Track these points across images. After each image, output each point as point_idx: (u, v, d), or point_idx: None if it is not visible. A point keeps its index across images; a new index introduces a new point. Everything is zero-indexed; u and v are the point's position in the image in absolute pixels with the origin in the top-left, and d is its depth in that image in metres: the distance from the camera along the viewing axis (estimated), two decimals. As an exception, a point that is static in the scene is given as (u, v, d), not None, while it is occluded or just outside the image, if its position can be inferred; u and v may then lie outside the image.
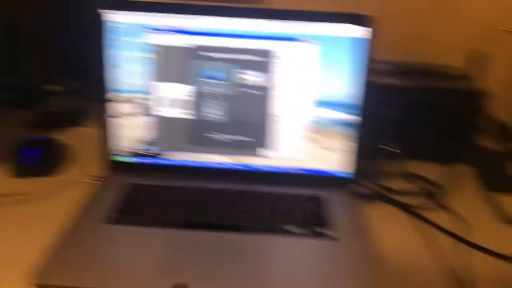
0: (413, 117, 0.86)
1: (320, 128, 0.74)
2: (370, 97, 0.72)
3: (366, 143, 0.83)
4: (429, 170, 0.84)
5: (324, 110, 0.74)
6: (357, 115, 0.73)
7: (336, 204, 0.72)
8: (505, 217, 0.72)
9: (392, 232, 0.69)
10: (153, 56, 0.72)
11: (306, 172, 0.77)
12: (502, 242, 0.67)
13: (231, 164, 0.77)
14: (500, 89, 0.98)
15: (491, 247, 0.65)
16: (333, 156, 0.76)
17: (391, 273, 0.60)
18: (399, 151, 0.85)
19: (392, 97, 0.86)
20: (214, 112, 0.74)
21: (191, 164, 0.77)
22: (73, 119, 0.99)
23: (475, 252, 0.65)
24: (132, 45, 0.72)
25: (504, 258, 0.64)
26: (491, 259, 0.64)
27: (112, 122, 0.75)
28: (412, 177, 0.83)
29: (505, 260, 0.64)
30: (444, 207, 0.75)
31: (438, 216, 0.72)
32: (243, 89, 0.73)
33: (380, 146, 0.86)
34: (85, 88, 0.94)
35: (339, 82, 0.72)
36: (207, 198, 0.72)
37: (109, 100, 0.74)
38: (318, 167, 0.77)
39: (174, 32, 0.71)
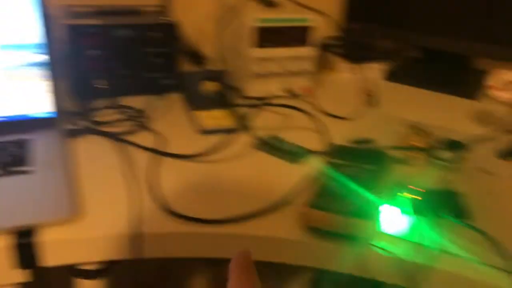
0: (119, 54, 0.92)
1: (13, 72, 0.75)
2: (54, 35, 0.75)
3: (76, 83, 0.86)
4: (140, 102, 0.92)
5: (13, 53, 0.74)
6: (46, 54, 0.75)
7: (40, 144, 0.75)
8: (199, 128, 0.84)
9: (95, 158, 0.74)
10: None
11: (8, 119, 0.77)
12: (193, 147, 0.77)
13: None
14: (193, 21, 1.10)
15: (183, 152, 0.75)
16: (33, 98, 0.77)
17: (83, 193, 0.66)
18: (108, 87, 0.90)
19: (97, 37, 0.90)
20: None
21: None
22: None
23: (168, 160, 0.75)
24: None
25: (186, 157, 0.75)
26: (178, 161, 0.75)
27: None
28: (120, 108, 0.89)
29: (187, 159, 0.75)
30: (148, 129, 0.84)
31: (141, 138, 0.80)
32: None
33: (91, 84, 0.90)
34: None
35: (22, 24, 0.73)
36: None
37: None
38: (19, 112, 0.78)
39: None
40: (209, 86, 0.88)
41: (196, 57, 1.02)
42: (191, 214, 0.62)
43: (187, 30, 1.09)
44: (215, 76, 0.90)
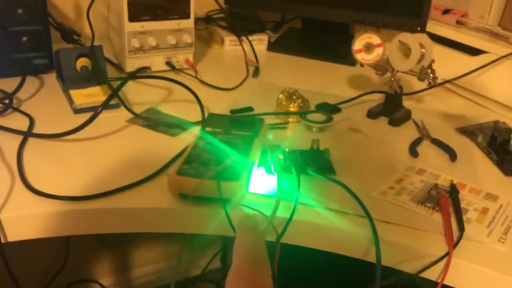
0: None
1: None
2: None
3: None
4: (11, 83, 0.87)
5: None
6: None
7: None
8: (74, 107, 0.81)
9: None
10: None
11: None
12: (67, 127, 0.74)
13: None
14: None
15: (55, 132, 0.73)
16: None
17: None
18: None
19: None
20: None
21: None
22: None
23: (40, 141, 0.72)
24: None
25: (57, 136, 0.72)
26: (51, 141, 0.72)
27: None
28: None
29: (58, 138, 0.72)
30: (18, 111, 0.79)
31: (10, 120, 0.76)
32: None
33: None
34: None
35: None
36: None
37: None
38: None
39: None
40: (83, 63, 0.85)
41: (69, 33, 0.97)
42: (63, 193, 0.61)
43: (58, 4, 1.04)
44: (89, 52, 0.87)
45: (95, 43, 0.96)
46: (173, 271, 1.63)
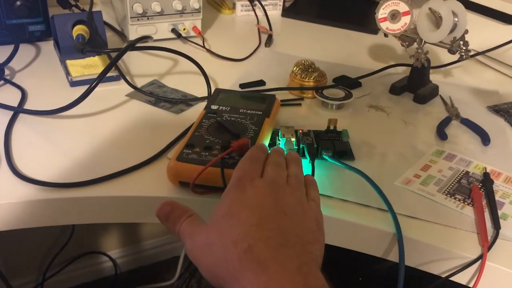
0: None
1: None
2: None
3: None
4: (4, 52, 0.80)
5: None
6: None
7: None
8: (70, 79, 0.75)
9: None
10: None
11: None
12: (62, 102, 0.67)
13: None
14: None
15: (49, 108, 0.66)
16: None
17: None
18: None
19: None
20: None
21: None
22: None
23: (33, 118, 0.66)
24: None
25: (50, 113, 0.66)
26: (43, 118, 0.66)
27: None
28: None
29: (51, 115, 0.66)
30: (10, 83, 0.73)
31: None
32: None
33: None
34: None
35: None
36: None
37: None
38: None
39: None
40: (80, 31, 0.78)
41: (65, -3, 0.90)
42: (53, 178, 0.55)
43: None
44: (88, 19, 0.80)
45: (98, 9, 0.88)
46: (182, 243, 1.60)
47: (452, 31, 0.73)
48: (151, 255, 1.57)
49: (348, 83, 0.81)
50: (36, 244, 1.33)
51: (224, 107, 0.63)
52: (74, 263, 1.42)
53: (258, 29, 1.01)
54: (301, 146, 0.62)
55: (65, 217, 0.56)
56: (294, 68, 0.79)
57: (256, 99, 0.67)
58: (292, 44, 0.97)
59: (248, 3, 1.09)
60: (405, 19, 0.75)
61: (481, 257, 0.49)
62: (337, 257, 1.08)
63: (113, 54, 0.72)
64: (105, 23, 0.92)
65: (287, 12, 1.12)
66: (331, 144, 0.62)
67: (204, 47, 0.90)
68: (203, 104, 0.68)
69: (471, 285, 0.50)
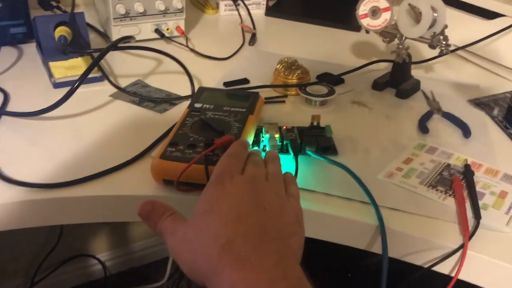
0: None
1: None
2: None
3: None
4: None
5: None
6: None
7: None
8: (53, 81, 0.74)
9: None
10: None
11: None
12: (44, 103, 0.67)
13: None
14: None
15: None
16: None
17: None
18: None
19: None
20: None
21: None
22: None
23: (13, 120, 0.66)
24: None
25: (32, 114, 0.66)
26: (25, 120, 0.66)
27: None
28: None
29: (33, 116, 0.66)
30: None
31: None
32: None
33: None
34: None
35: None
36: None
37: None
38: None
39: None
40: (62, 32, 0.78)
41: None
42: (37, 179, 0.55)
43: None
44: (70, 20, 0.79)
45: (80, 10, 0.88)
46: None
47: (431, 26, 0.74)
48: (141, 257, 1.57)
49: (331, 80, 0.81)
50: (24, 248, 1.32)
51: (207, 105, 0.64)
52: (62, 266, 1.41)
53: (242, 28, 1.01)
54: (285, 142, 0.62)
55: (50, 217, 0.56)
56: (278, 66, 0.79)
57: (239, 96, 0.67)
58: (276, 42, 0.98)
59: (231, 2, 1.09)
60: (386, 15, 0.76)
61: (462, 246, 0.50)
62: (326, 255, 1.09)
63: (96, 55, 0.72)
64: (88, 25, 0.92)
65: (270, 11, 1.12)
66: (315, 140, 0.63)
67: (187, 46, 0.90)
68: (187, 103, 0.69)
69: (453, 274, 0.51)
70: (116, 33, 0.89)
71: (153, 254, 1.58)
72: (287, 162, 0.60)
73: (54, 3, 0.90)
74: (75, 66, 0.78)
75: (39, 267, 1.35)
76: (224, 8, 1.10)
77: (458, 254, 0.50)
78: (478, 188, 0.58)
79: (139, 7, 0.88)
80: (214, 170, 0.45)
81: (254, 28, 1.02)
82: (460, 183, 0.58)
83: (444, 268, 0.52)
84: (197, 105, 0.64)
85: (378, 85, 0.81)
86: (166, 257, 1.53)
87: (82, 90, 0.71)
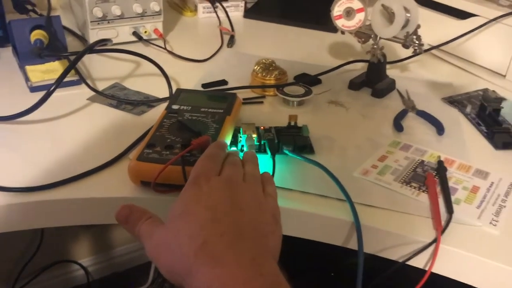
0: None
1: None
2: None
3: None
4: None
5: None
6: None
7: None
8: (30, 85, 0.74)
9: None
10: None
11: None
12: (21, 108, 0.67)
13: None
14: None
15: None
16: None
17: None
18: None
19: None
20: None
21: None
22: None
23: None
24: None
25: (7, 118, 0.66)
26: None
27: None
28: None
29: (8, 120, 0.66)
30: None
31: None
32: None
33: None
34: None
35: None
36: None
37: None
38: None
39: None
40: (38, 36, 0.78)
41: (21, 2, 0.89)
42: (14, 184, 0.55)
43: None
44: (46, 24, 0.79)
45: (57, 13, 0.88)
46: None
47: (405, 26, 0.75)
48: (124, 261, 1.56)
49: (309, 80, 0.82)
50: (4, 255, 1.31)
51: (185, 107, 0.64)
52: (44, 273, 1.40)
53: (220, 30, 1.02)
54: (262, 142, 0.63)
55: (29, 222, 0.56)
56: (255, 67, 0.80)
57: (217, 98, 0.68)
58: (254, 44, 0.99)
59: (210, 5, 1.10)
60: (360, 16, 0.77)
61: (435, 240, 0.51)
62: (308, 255, 1.10)
63: (73, 58, 0.72)
64: (66, 28, 0.92)
65: (249, 13, 1.13)
66: (292, 139, 0.64)
67: (165, 49, 0.91)
68: (165, 105, 0.69)
69: (427, 268, 0.52)
70: (94, 36, 0.89)
71: (136, 259, 1.57)
72: (264, 162, 0.61)
73: (29, 7, 0.89)
74: (52, 69, 0.77)
75: (20, 274, 1.33)
76: (203, 11, 1.10)
77: (431, 248, 0.51)
78: (450, 183, 0.60)
79: (116, 10, 0.89)
80: (191, 172, 0.46)
81: (233, 30, 1.03)
82: (433, 179, 0.59)
83: (418, 262, 0.53)
84: (175, 107, 0.64)
85: (354, 85, 0.82)
86: (149, 261, 1.52)
87: (60, 93, 0.71)
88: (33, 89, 0.74)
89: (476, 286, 0.52)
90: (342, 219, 0.54)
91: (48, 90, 0.66)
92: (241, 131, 0.63)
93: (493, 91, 0.82)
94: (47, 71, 0.77)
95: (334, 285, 1.18)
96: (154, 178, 0.51)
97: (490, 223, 0.54)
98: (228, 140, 0.61)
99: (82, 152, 0.62)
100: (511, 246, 0.52)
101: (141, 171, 0.54)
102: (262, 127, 0.66)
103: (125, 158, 0.61)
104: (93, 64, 0.84)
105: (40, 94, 0.68)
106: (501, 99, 0.77)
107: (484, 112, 0.76)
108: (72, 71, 0.73)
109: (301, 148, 0.63)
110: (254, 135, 0.62)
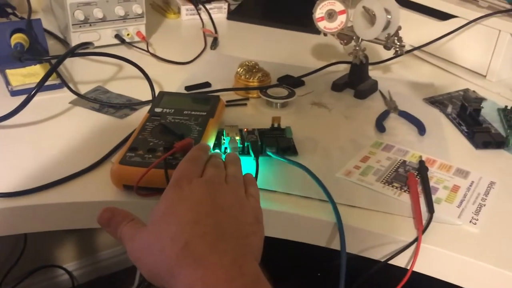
0: None
1: None
2: None
3: None
4: None
5: None
6: None
7: None
8: (10, 89, 0.73)
9: None
10: None
11: None
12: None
13: None
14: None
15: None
16: None
17: None
18: None
19: None
20: None
21: None
22: None
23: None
24: None
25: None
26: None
27: None
28: None
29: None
30: None
31: None
32: None
33: None
34: None
35: None
36: None
37: None
38: None
39: None
40: (18, 40, 0.77)
41: (0, 5, 0.88)
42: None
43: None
44: (26, 27, 0.78)
45: (38, 17, 0.87)
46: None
47: (386, 28, 0.76)
48: (109, 265, 1.55)
49: (292, 82, 0.83)
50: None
51: (168, 110, 0.64)
52: (28, 278, 1.39)
53: (204, 33, 1.02)
54: (245, 144, 0.63)
55: (11, 227, 0.55)
56: (239, 69, 0.80)
57: (200, 100, 0.68)
58: (238, 46, 0.99)
59: (193, 7, 1.10)
60: (342, 18, 0.78)
61: (416, 239, 0.52)
62: (295, 257, 1.10)
63: (54, 62, 0.71)
64: (47, 31, 0.92)
65: (232, 15, 1.13)
66: (275, 141, 0.64)
67: (148, 51, 0.91)
68: (148, 108, 0.69)
69: (408, 267, 0.52)
70: (76, 39, 0.88)
71: (121, 262, 1.56)
72: (248, 164, 0.61)
73: (9, 10, 0.88)
74: (33, 73, 0.77)
75: (3, 280, 1.32)
76: (186, 13, 1.10)
77: (412, 247, 0.52)
78: (432, 183, 0.60)
79: (98, 13, 0.88)
80: (173, 174, 0.46)
81: (216, 32, 1.03)
82: (414, 179, 0.60)
83: (400, 261, 0.53)
84: (158, 110, 0.64)
85: (337, 86, 0.83)
86: (134, 265, 1.51)
87: (41, 97, 0.71)
88: (14, 93, 0.73)
89: (457, 284, 0.53)
90: (325, 220, 0.54)
91: (29, 94, 0.65)
92: (224, 133, 0.63)
93: (474, 91, 0.84)
94: (28, 74, 0.76)
95: (319, 286, 1.19)
96: (137, 182, 0.51)
97: (470, 221, 0.55)
98: (211, 143, 0.61)
99: (65, 156, 0.61)
100: (490, 244, 0.53)
101: (123, 175, 0.54)
102: (245, 129, 0.66)
103: (107, 162, 0.60)
104: (75, 67, 0.84)
105: (21, 98, 0.67)
106: (481, 99, 0.79)
107: (464, 112, 0.77)
108: (54, 75, 0.72)
109: (284, 149, 0.64)
110: (238, 137, 0.63)
